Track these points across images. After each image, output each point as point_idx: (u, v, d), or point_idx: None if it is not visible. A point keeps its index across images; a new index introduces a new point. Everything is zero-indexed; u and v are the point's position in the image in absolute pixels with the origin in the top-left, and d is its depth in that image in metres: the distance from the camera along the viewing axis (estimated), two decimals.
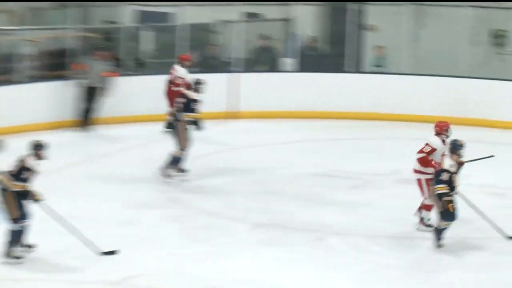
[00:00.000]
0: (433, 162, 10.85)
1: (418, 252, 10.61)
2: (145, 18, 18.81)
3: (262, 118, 17.05)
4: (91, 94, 15.95)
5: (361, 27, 18.26)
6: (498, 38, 17.88)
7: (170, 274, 9.91)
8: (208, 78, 15.48)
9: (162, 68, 16.78)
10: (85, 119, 15.77)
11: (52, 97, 15.71)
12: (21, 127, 15.14)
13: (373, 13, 18.23)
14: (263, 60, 18.11)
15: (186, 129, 13.56)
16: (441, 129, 11.25)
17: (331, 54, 18.49)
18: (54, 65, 16.82)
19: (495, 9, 17.48)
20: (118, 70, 16.68)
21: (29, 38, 16.71)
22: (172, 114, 14.06)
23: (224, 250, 10.54)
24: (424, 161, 10.98)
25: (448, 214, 10.21)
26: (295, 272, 10.00)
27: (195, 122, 13.61)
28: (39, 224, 10.13)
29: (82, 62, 16.13)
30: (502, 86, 16.96)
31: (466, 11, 17.41)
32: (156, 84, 15.77)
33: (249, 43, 18.08)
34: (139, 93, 16.35)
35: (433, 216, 10.81)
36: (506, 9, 17.47)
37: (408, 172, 11.38)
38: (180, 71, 14.89)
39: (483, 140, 15.06)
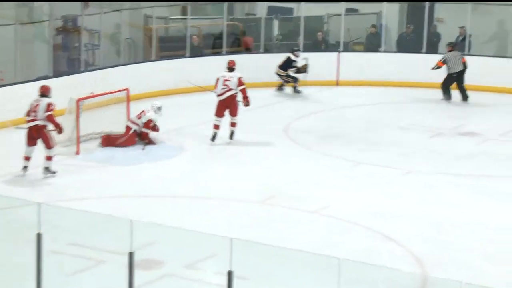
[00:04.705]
0: None
1: None
2: (272, 11, 19.75)
3: (360, 86, 18.23)
4: None
5: (433, 19, 19.29)
6: None
7: None
8: (319, 56, 18.12)
9: (284, 48, 18.73)
10: None
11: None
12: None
13: (440, 9, 19.34)
14: (371, 42, 19.20)
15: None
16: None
17: (412, 39, 19.20)
18: (211, 44, 18.76)
19: None
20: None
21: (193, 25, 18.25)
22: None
23: None
24: None
25: None
26: None
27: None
28: None
29: None
30: None
31: None
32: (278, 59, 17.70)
33: (350, 30, 19.16)
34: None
35: None
36: None
37: None
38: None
39: None
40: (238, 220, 10.66)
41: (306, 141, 14.44)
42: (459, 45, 18.38)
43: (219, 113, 14.09)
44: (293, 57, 17.76)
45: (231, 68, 14.20)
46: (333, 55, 18.95)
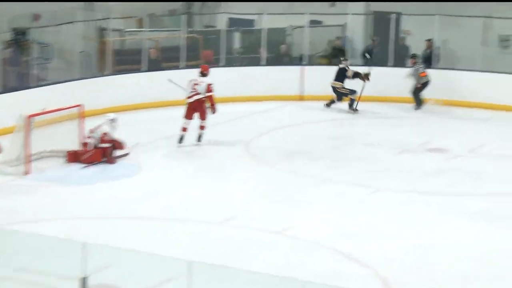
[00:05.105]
0: None
1: None
2: (234, 23, 20.03)
3: (324, 100, 18.03)
4: None
5: (399, 32, 19.54)
6: (504, 41, 19.31)
7: None
8: (282, 70, 18.29)
9: (246, 61, 18.92)
10: None
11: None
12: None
13: (407, 21, 19.59)
14: (336, 55, 18.94)
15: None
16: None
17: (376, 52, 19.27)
18: (167, 58, 18.55)
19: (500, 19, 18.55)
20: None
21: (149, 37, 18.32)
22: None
23: None
24: None
25: None
26: None
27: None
28: None
29: None
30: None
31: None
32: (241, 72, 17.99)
33: (313, 43, 19.19)
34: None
35: None
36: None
37: None
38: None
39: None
40: (198, 241, 10.64)
41: (269, 158, 14.44)
42: (427, 58, 18.68)
43: (187, 116, 14.83)
44: (342, 66, 17.80)
45: (203, 73, 14.92)
46: (296, 69, 19.03)
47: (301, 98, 19.01)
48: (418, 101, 18.11)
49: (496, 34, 19.44)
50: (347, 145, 15.45)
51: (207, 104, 14.82)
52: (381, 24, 20.00)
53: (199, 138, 14.95)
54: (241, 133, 16.05)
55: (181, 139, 14.81)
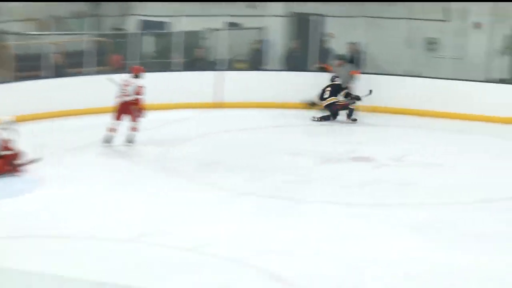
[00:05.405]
0: None
1: None
2: (146, 26, 20.00)
3: (243, 108, 18.39)
4: None
5: (322, 34, 19.56)
6: (430, 44, 19.59)
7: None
8: (198, 75, 18.09)
9: (160, 66, 18.65)
10: None
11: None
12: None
13: (333, 23, 19.68)
14: (255, 60, 19.37)
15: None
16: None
17: (297, 56, 19.55)
18: (73, 63, 18.16)
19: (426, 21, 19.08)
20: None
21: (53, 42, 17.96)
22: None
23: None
24: None
25: None
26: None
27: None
28: None
29: None
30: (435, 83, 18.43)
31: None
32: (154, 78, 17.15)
33: (231, 47, 19.21)
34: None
35: None
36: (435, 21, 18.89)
37: None
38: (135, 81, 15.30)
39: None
40: (105, 261, 10.19)
41: (184, 170, 14.19)
42: (352, 61, 18.78)
43: (116, 116, 15.13)
44: (338, 82, 17.96)
45: (135, 75, 15.24)
46: (214, 74, 18.90)
47: (218, 105, 18.85)
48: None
49: (422, 37, 19.61)
50: (267, 154, 15.27)
51: (135, 107, 15.07)
52: (302, 27, 20.01)
53: (129, 139, 15.17)
54: (155, 143, 15.77)
55: (107, 140, 14.99)
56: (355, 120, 17.94)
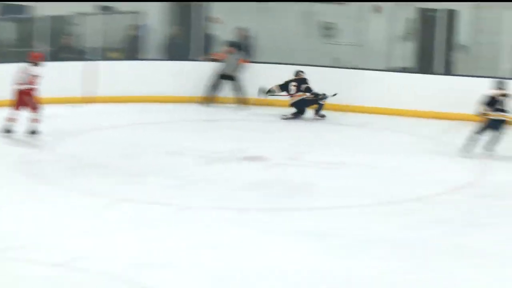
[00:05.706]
0: None
1: None
2: (5, 10, 19.44)
3: (118, 102, 18.15)
4: None
5: (206, 20, 19.53)
6: (327, 30, 19.71)
7: None
8: (64, 66, 17.67)
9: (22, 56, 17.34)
10: None
11: None
12: None
13: (218, 8, 19.59)
14: (132, 48, 19.31)
15: None
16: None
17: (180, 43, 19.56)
18: None
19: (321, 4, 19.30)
20: None
21: None
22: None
23: None
24: None
25: None
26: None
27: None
28: None
29: None
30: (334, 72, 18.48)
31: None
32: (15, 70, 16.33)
33: (106, 33, 19.09)
34: None
35: None
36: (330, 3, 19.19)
37: None
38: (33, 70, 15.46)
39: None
40: None
41: (47, 174, 13.70)
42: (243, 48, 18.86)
43: (14, 106, 15.36)
44: (304, 76, 17.80)
45: (33, 62, 15.40)
46: (83, 65, 18.39)
47: (89, 100, 18.28)
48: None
49: (317, 21, 19.63)
50: (143, 155, 14.96)
51: (30, 98, 15.29)
52: (184, 11, 19.86)
53: (32, 131, 15.39)
54: (15, 143, 15.31)
55: (6, 130, 15.31)
56: (323, 116, 17.90)
